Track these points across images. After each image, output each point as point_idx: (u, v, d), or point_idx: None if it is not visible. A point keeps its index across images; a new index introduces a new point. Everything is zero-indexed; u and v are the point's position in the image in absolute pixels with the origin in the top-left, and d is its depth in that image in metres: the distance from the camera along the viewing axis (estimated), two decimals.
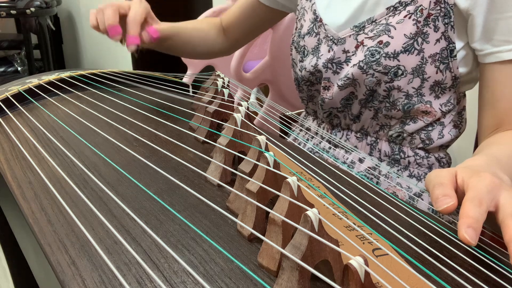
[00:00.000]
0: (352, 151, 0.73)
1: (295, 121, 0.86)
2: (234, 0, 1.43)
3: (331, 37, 0.69)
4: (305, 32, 0.75)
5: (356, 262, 0.28)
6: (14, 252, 0.79)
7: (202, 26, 0.90)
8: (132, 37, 0.66)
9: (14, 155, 0.55)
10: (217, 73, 0.70)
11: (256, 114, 1.01)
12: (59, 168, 0.47)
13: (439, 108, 0.66)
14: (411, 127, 0.68)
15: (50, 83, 0.75)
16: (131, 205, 0.43)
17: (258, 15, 0.87)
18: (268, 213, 0.35)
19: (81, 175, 0.48)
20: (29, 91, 0.73)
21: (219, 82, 0.63)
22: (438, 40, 0.62)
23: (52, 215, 0.41)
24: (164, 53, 0.86)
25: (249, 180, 0.40)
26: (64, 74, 0.78)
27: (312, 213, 0.31)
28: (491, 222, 0.37)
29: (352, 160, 0.72)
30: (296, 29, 0.79)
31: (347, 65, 0.68)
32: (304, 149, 0.78)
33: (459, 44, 0.62)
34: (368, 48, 0.64)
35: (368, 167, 0.71)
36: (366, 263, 0.28)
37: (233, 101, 0.60)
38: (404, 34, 0.62)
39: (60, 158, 0.53)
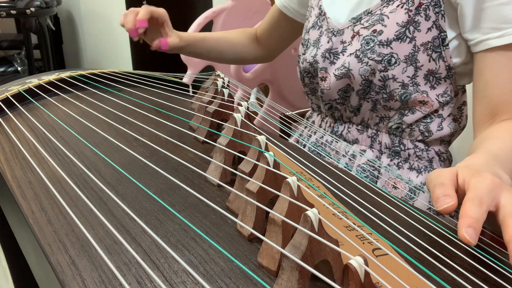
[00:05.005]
0: (354, 144, 0.75)
1: (295, 121, 0.86)
2: (234, 0, 1.43)
3: (332, 29, 0.72)
4: (310, 26, 0.78)
5: (356, 262, 0.28)
6: (14, 252, 0.79)
7: (231, 35, 0.96)
8: (139, 21, 0.77)
9: (14, 155, 0.55)
10: (217, 73, 0.70)
11: (256, 114, 1.01)
12: (59, 168, 0.47)
13: (435, 99, 0.67)
14: (409, 118, 0.69)
15: (50, 83, 0.75)
16: (131, 205, 0.43)
17: (283, 24, 0.92)
18: (268, 213, 0.35)
19: (81, 175, 0.48)
20: (29, 91, 0.73)
21: (219, 82, 0.63)
22: (429, 29, 0.63)
23: (52, 215, 0.41)
24: (169, 53, 0.91)
25: (249, 180, 0.40)
26: (64, 74, 0.78)
27: (312, 213, 0.31)
28: (491, 222, 0.38)
29: (353, 152, 0.73)
30: (304, 28, 0.81)
31: (343, 55, 0.70)
32: (306, 146, 0.79)
33: (451, 34, 0.63)
34: (363, 37, 0.67)
35: (369, 160, 0.72)
36: (366, 263, 0.28)
37: (233, 101, 0.60)
38: (397, 23, 0.64)
39: (60, 158, 0.53)
